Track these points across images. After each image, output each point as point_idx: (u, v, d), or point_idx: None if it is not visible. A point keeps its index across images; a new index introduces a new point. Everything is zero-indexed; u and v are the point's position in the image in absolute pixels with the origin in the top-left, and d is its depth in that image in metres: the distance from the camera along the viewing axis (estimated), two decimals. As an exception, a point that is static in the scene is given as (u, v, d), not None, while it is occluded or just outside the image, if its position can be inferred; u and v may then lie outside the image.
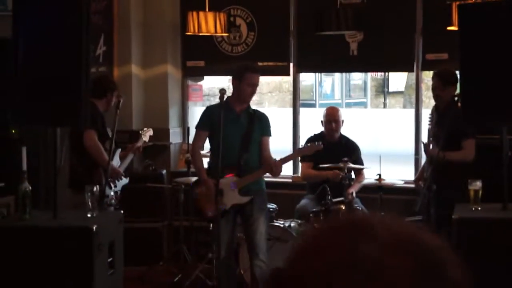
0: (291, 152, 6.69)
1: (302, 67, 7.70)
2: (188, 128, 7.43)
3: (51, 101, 4.48)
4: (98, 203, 4.79)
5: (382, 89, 17.37)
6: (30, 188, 4.54)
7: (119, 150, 6.15)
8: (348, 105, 16.22)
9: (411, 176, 6.46)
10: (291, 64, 7.62)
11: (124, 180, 6.14)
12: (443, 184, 5.35)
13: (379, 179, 6.19)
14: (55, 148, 4.66)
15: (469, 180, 4.84)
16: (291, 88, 8.14)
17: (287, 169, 7.41)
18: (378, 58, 7.24)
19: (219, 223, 5.34)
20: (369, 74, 15.88)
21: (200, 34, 6.80)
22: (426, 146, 5.74)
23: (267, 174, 5.62)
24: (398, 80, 16.97)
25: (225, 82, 10.88)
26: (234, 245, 5.79)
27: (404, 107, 16.07)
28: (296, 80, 7.80)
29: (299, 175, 7.26)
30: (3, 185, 6.25)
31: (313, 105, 14.72)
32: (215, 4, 7.05)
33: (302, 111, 7.92)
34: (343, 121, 6.75)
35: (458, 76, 5.32)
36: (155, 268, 6.72)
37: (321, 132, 6.77)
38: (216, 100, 6.05)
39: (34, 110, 4.55)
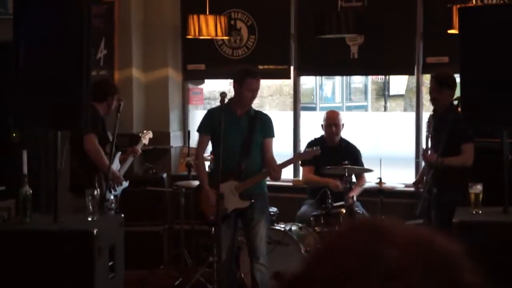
0: (292, 155, 6.70)
1: (303, 70, 7.70)
2: (189, 132, 7.43)
3: (51, 105, 4.48)
4: (98, 207, 4.79)
5: (383, 92, 17.37)
6: (31, 191, 4.54)
7: (119, 154, 6.15)
8: (349, 108, 16.22)
9: (411, 179, 6.45)
10: (292, 67, 7.62)
11: (124, 184, 6.14)
12: (443, 188, 5.35)
13: (380, 182, 6.19)
14: (56, 151, 4.66)
15: (469, 184, 4.84)
16: (291, 91, 8.14)
17: (288, 173, 7.40)
18: (378, 61, 7.24)
19: (220, 227, 5.34)
20: (370, 77, 15.87)
21: (201, 37, 6.80)
22: (424, 152, 5.73)
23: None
24: (398, 83, 16.97)
25: (225, 85, 10.87)
26: (235, 248, 5.78)
27: (405, 110, 16.07)
28: (297, 83, 7.80)
29: (300, 178, 7.25)
30: (3, 188, 6.25)
31: (313, 109, 14.71)
32: (216, 8, 7.05)
33: (303, 114, 7.92)
34: (343, 124, 6.74)
35: (458, 80, 5.33)
36: (156, 271, 6.71)
37: (322, 136, 6.76)
38: (217, 104, 6.04)
39: (35, 114, 4.55)
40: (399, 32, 7.08)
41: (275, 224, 6.08)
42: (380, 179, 6.19)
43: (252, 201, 5.47)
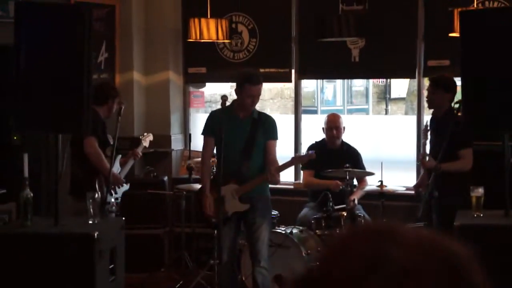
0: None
1: (304, 73, 7.70)
2: (190, 135, 7.43)
3: (52, 108, 4.49)
4: (99, 209, 4.78)
5: (384, 96, 17.35)
6: (32, 194, 4.54)
7: (119, 157, 6.15)
8: (350, 111, 16.20)
9: (413, 182, 6.44)
10: (293, 71, 7.62)
11: (125, 187, 6.14)
12: (445, 191, 5.34)
13: (381, 185, 6.18)
14: (57, 154, 4.66)
15: (471, 187, 4.83)
16: (292, 95, 8.14)
17: (288, 176, 7.40)
18: (379, 64, 7.24)
19: (220, 230, 5.34)
20: (371, 81, 15.85)
21: (202, 40, 6.80)
22: (421, 158, 5.73)
23: None
24: (400, 86, 16.96)
25: (227, 88, 10.88)
26: (237, 251, 5.77)
27: (406, 113, 16.05)
28: (298, 86, 7.80)
29: (301, 181, 7.25)
30: (4, 191, 6.24)
31: (314, 112, 14.70)
32: (217, 11, 7.06)
33: (304, 117, 7.91)
34: (344, 127, 6.74)
35: (458, 83, 5.33)
36: (157, 274, 6.71)
37: (323, 139, 6.76)
38: (218, 107, 6.04)
39: (35, 117, 4.55)
40: (400, 35, 7.08)
41: (276, 227, 6.07)
42: (381, 182, 6.19)
43: (251, 205, 5.45)
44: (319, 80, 14.07)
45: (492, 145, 5.61)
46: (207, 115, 5.97)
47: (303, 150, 7.22)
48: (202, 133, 5.66)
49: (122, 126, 5.90)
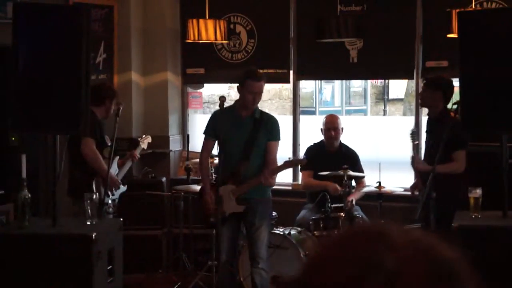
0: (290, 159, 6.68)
1: (302, 74, 7.70)
2: (188, 136, 7.42)
3: (51, 108, 4.48)
4: (97, 211, 4.78)
5: (382, 97, 17.35)
6: (30, 195, 4.53)
7: (117, 158, 6.15)
8: (348, 112, 16.20)
9: (411, 183, 6.44)
10: (291, 72, 7.62)
11: (122, 188, 6.13)
12: (443, 192, 5.34)
13: (379, 186, 6.19)
14: (55, 155, 4.66)
15: (469, 188, 4.83)
16: (291, 96, 8.14)
17: (287, 177, 7.40)
18: (378, 65, 7.25)
19: (219, 230, 5.34)
20: (369, 82, 15.87)
21: (200, 41, 6.80)
22: (413, 160, 5.74)
23: None
24: (398, 87, 16.96)
25: (225, 89, 10.88)
26: (237, 252, 5.76)
27: (404, 114, 16.05)
28: (296, 87, 7.80)
29: (299, 183, 7.25)
30: (2, 192, 6.24)
31: (313, 112, 14.69)
32: (215, 12, 7.06)
33: (302, 118, 7.91)
34: (342, 128, 6.74)
35: (456, 84, 5.32)
36: (155, 276, 6.70)
37: (321, 141, 6.77)
38: (216, 107, 6.04)
39: (34, 117, 4.55)
40: (398, 36, 7.09)
41: (274, 228, 6.07)
42: (379, 183, 6.19)
43: (251, 206, 5.44)
44: (317, 81, 14.07)
45: (490, 146, 5.62)
46: (205, 116, 5.98)
47: (302, 151, 7.23)
48: (204, 133, 5.66)
49: (120, 126, 5.89)
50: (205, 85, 8.54)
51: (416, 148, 5.79)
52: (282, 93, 14.83)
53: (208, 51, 7.74)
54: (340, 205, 6.14)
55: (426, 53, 7.03)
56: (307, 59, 7.53)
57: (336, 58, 7.33)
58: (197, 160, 6.06)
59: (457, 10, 5.64)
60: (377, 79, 14.26)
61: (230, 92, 11.15)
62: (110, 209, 5.72)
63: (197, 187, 6.38)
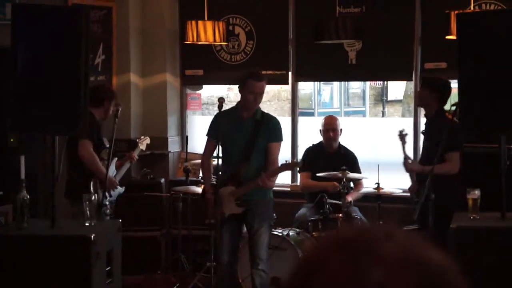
0: (289, 160, 6.68)
1: (301, 76, 7.71)
2: (187, 137, 7.42)
3: (49, 110, 4.48)
4: (96, 212, 4.78)
5: (381, 98, 17.34)
6: (28, 196, 4.53)
7: (115, 159, 6.14)
8: (347, 113, 16.19)
9: (409, 185, 6.44)
10: (290, 73, 7.62)
11: (120, 190, 6.13)
12: (441, 193, 5.34)
13: (378, 188, 6.19)
14: (54, 156, 4.66)
15: (467, 189, 4.83)
16: (289, 97, 8.14)
17: (285, 179, 7.40)
18: (376, 67, 7.26)
19: (218, 231, 5.35)
20: (368, 83, 15.86)
21: (199, 43, 6.80)
22: (405, 161, 5.74)
23: None
24: (396, 88, 16.95)
25: (224, 90, 10.86)
26: (237, 253, 5.75)
27: (403, 115, 16.05)
28: (295, 88, 7.80)
29: (298, 184, 7.25)
30: (1, 193, 6.24)
31: (311, 114, 14.68)
32: (214, 13, 7.06)
33: (301, 119, 7.92)
34: (341, 130, 6.75)
35: (454, 86, 5.33)
36: (153, 277, 6.70)
37: (320, 142, 6.77)
38: (215, 109, 6.04)
39: (32, 119, 4.55)
40: (397, 37, 7.09)
41: (273, 229, 6.07)
42: (378, 184, 6.19)
43: (251, 208, 5.43)
44: (316, 82, 14.08)
45: (489, 147, 5.62)
46: (204, 117, 5.98)
47: (300, 152, 7.23)
48: (206, 134, 5.67)
49: (118, 128, 5.89)
50: (204, 86, 8.54)
51: (404, 148, 5.83)
52: (281, 94, 14.83)
53: (207, 52, 7.74)
54: (339, 202, 6.14)
55: (425, 55, 7.03)
56: (306, 61, 7.53)
57: (334, 59, 7.34)
58: (196, 161, 6.07)
59: (456, 12, 5.65)
60: (376, 80, 14.28)
61: (229, 93, 11.13)
62: (108, 211, 5.71)
63: (196, 188, 6.39)
